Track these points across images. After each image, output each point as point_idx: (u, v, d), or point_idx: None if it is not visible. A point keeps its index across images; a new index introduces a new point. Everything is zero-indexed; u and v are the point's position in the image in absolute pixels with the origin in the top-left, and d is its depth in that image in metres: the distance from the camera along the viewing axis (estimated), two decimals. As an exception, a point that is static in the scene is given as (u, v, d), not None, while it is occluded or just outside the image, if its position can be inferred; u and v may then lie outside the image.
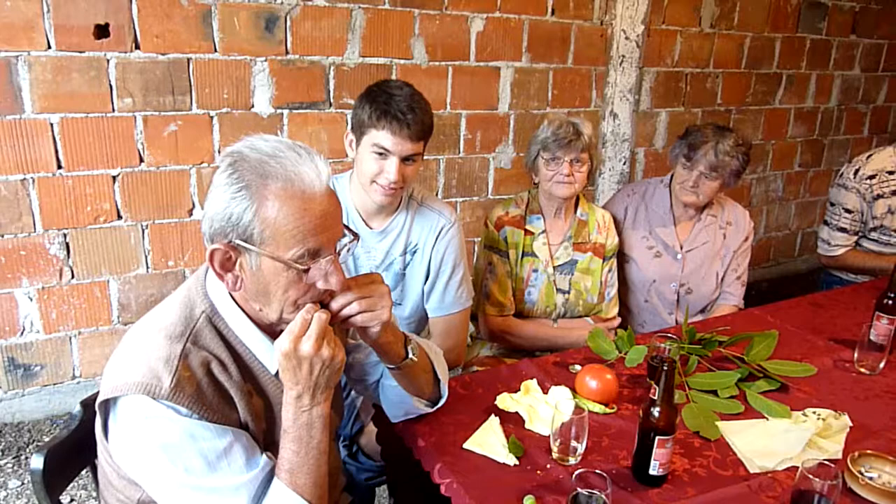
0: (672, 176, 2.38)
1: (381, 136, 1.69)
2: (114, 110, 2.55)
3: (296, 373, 1.08)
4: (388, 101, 1.68)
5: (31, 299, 2.63)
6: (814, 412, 1.56)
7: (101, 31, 2.45)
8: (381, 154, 1.71)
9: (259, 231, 1.03)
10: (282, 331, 1.09)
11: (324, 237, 1.07)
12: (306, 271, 1.07)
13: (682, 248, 2.38)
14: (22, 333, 2.66)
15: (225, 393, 1.11)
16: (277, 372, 1.17)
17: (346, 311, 1.15)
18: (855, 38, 4.52)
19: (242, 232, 1.04)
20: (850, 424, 1.53)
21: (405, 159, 1.71)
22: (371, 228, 1.87)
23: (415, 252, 1.91)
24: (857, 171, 2.77)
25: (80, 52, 2.44)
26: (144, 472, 1.09)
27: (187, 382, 1.05)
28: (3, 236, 2.51)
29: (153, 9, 2.50)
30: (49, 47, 2.39)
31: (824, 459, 1.28)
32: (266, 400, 1.19)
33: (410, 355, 1.32)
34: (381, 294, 1.19)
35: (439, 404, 1.49)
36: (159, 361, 1.05)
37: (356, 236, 1.17)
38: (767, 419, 1.56)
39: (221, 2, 2.60)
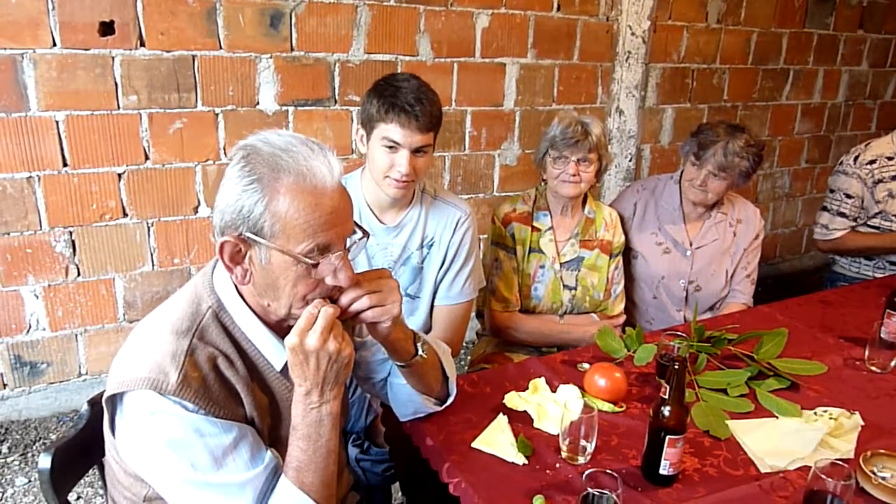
0: (682, 172, 2.37)
1: (390, 130, 1.69)
2: (119, 108, 2.54)
3: (303, 368, 1.07)
4: (395, 94, 1.68)
5: (38, 297, 2.63)
6: (825, 411, 1.55)
7: (107, 29, 2.45)
8: (391, 147, 1.71)
9: (270, 224, 1.03)
10: (289, 327, 1.09)
11: (334, 233, 1.07)
12: (315, 266, 1.07)
13: (691, 244, 2.36)
14: (28, 331, 2.66)
15: (231, 388, 1.11)
16: (283, 369, 1.17)
17: (355, 307, 1.14)
18: (863, 33, 4.49)
19: (253, 225, 1.04)
20: (862, 423, 1.52)
21: (415, 151, 1.71)
22: (384, 224, 1.87)
23: (431, 245, 1.91)
24: (856, 158, 2.77)
25: (86, 49, 2.44)
26: (150, 467, 1.09)
27: (193, 378, 1.05)
28: (9, 234, 2.51)
29: (158, 6, 2.49)
30: (54, 45, 2.39)
31: (836, 459, 1.27)
32: (271, 396, 1.19)
33: (420, 352, 1.32)
34: (390, 289, 1.18)
35: (448, 402, 1.48)
36: (166, 357, 1.05)
37: (366, 234, 1.16)
38: (778, 418, 1.54)
39: (226, -2, 2.60)
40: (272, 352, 1.17)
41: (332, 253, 1.07)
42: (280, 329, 1.16)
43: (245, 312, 1.15)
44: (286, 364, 1.11)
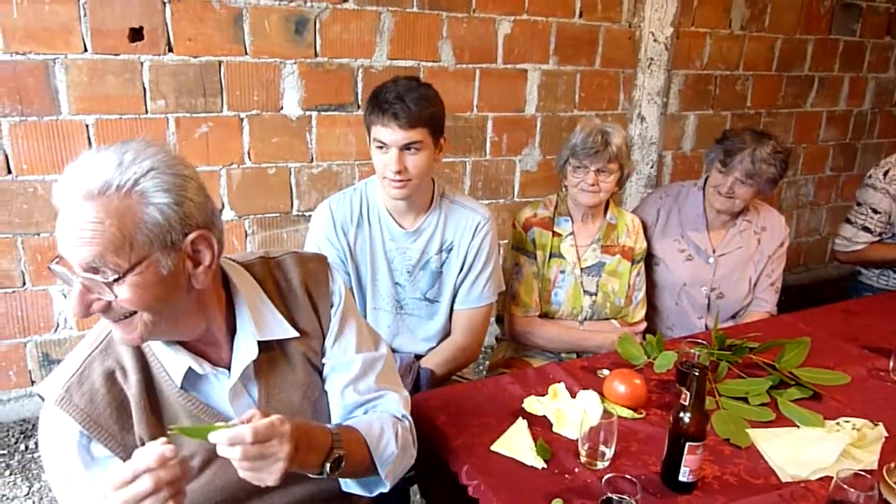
0: (706, 179, 2.35)
1: (377, 130, 1.73)
2: (147, 112, 2.59)
3: None
4: (378, 95, 1.72)
5: (66, 296, 2.68)
6: (847, 421, 1.53)
7: (136, 35, 2.50)
8: (380, 147, 1.75)
9: None
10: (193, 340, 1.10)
11: (63, 251, 0.98)
12: (51, 271, 1.02)
13: (714, 252, 2.35)
14: (56, 329, 2.72)
15: (122, 404, 1.07)
16: (182, 385, 1.11)
17: (232, 458, 0.95)
18: (890, 39, 4.43)
19: None
20: (886, 435, 1.50)
21: (405, 148, 1.73)
22: (403, 229, 1.89)
23: (450, 250, 1.93)
24: (886, 172, 2.72)
25: (116, 54, 2.49)
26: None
27: (77, 390, 1.05)
28: (38, 234, 2.57)
29: (186, 12, 2.54)
30: (85, 50, 2.45)
31: (859, 470, 1.26)
32: (167, 415, 1.10)
33: (327, 473, 1.10)
34: (275, 457, 0.96)
35: (378, 490, 1.28)
36: (67, 367, 1.08)
37: (116, 280, 0.99)
38: (799, 428, 1.53)
39: (252, 5, 2.64)
40: (173, 364, 1.10)
41: (70, 272, 0.98)
42: (185, 344, 1.11)
43: None
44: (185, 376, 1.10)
